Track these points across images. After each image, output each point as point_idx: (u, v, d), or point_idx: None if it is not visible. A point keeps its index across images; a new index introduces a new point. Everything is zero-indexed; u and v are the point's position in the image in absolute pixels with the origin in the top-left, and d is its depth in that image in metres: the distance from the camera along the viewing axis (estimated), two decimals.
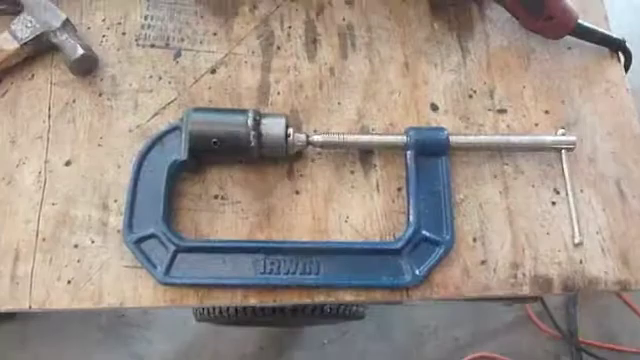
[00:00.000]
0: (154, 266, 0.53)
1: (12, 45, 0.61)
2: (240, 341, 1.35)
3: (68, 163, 0.59)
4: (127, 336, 1.35)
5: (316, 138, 0.58)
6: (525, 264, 0.56)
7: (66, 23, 0.62)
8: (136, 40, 0.65)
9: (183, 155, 0.56)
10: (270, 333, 1.35)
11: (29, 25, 0.62)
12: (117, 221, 0.56)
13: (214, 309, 1.01)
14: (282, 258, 0.54)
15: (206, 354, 1.34)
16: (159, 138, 0.57)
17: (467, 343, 1.37)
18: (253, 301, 0.54)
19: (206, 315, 1.04)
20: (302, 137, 0.57)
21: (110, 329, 1.34)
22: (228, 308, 0.99)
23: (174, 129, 0.58)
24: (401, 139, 0.58)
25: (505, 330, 1.38)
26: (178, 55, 0.64)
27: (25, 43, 0.61)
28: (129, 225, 0.55)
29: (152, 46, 0.65)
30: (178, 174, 0.57)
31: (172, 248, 0.53)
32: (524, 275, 0.56)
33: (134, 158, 0.57)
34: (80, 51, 0.60)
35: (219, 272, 0.54)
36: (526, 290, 0.55)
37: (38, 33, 0.61)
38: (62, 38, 0.62)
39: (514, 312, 1.38)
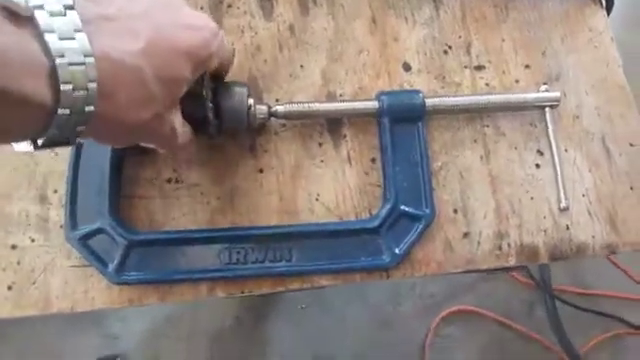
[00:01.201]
0: (104, 264, 0.48)
1: None
2: (217, 313, 1.32)
3: None
4: (100, 316, 1.30)
5: (279, 109, 0.51)
6: (510, 234, 0.52)
7: None
8: None
9: None
10: (246, 303, 1.32)
11: None
12: (59, 215, 0.50)
13: None
14: (249, 246, 0.49)
15: (183, 329, 1.31)
16: None
17: (444, 298, 1.38)
18: (220, 294, 0.49)
19: None
20: (264, 108, 0.51)
21: (79, 314, 1.28)
22: None
23: None
24: (372, 105, 0.52)
25: (480, 282, 1.39)
26: None
27: None
28: (72, 220, 0.48)
29: None
30: (124, 157, 0.51)
31: (123, 243, 0.48)
32: (509, 246, 0.52)
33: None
34: None
35: (180, 266, 0.48)
36: (512, 261, 0.52)
37: None
38: None
39: None
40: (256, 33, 0.57)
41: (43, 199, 0.50)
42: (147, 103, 0.35)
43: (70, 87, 0.29)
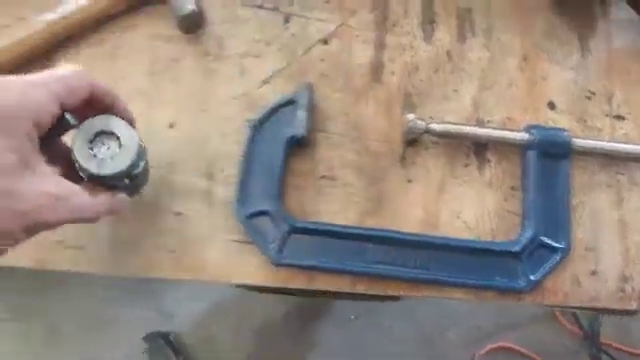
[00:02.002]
0: (266, 244, 0.51)
1: None
2: (266, 307, 1.35)
3: (171, 125, 0.56)
4: (156, 293, 1.34)
5: (435, 126, 0.55)
6: (634, 278, 0.55)
7: None
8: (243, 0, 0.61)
9: (302, 131, 0.53)
10: (297, 302, 1.35)
11: None
12: (223, 192, 0.54)
13: None
14: (394, 249, 0.53)
15: (233, 318, 1.34)
16: (275, 110, 0.54)
17: (488, 332, 1.39)
18: (361, 289, 0.53)
19: None
20: (422, 124, 0.55)
21: (139, 286, 1.33)
22: None
23: (290, 102, 0.55)
24: (521, 136, 0.56)
25: (527, 323, 1.39)
26: (287, 20, 0.61)
27: None
28: (242, 199, 0.52)
29: (260, 7, 0.61)
30: (291, 150, 0.55)
31: (286, 228, 0.51)
32: (633, 289, 0.55)
33: (247, 129, 0.55)
34: (190, 6, 0.56)
35: (330, 256, 0.52)
36: (634, 305, 0.55)
37: None
38: None
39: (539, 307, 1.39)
40: (416, 53, 0.61)
41: (210, 175, 0.55)
42: None
43: None
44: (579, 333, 1.38)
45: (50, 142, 0.41)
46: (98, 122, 0.42)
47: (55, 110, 0.38)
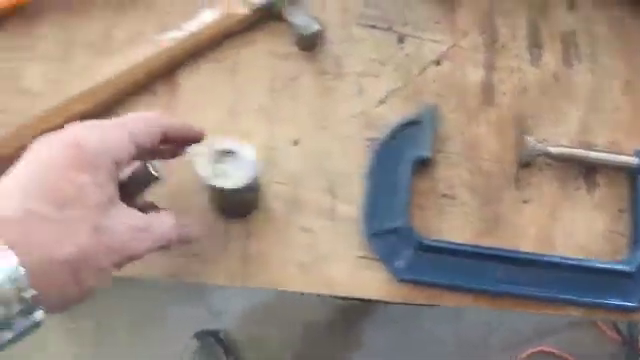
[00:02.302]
0: (393, 261, 0.53)
1: (243, 10, 0.59)
2: (312, 306, 1.37)
3: (295, 143, 0.58)
4: (204, 291, 1.36)
5: (552, 149, 0.57)
6: None
7: None
8: (357, 19, 0.63)
9: (429, 153, 0.55)
10: (342, 304, 1.37)
11: None
12: (346, 209, 0.56)
13: None
14: (514, 267, 0.55)
15: (279, 315, 1.37)
16: (399, 130, 0.56)
17: (529, 337, 1.41)
18: (484, 305, 0.55)
19: None
20: (540, 146, 0.57)
21: (187, 285, 1.35)
22: None
23: (413, 122, 0.56)
24: (632, 160, 0.58)
25: (567, 328, 1.42)
26: (401, 41, 0.62)
27: (255, 9, 0.59)
28: (368, 217, 0.54)
29: (374, 27, 0.63)
30: (416, 170, 0.56)
31: (413, 245, 0.53)
32: None
33: (369, 148, 0.57)
34: (316, 26, 0.58)
35: (453, 274, 0.54)
36: None
37: (272, 0, 0.59)
38: (294, 9, 0.59)
39: None
40: (524, 75, 0.62)
41: (333, 192, 0.56)
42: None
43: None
44: (618, 338, 1.41)
45: (136, 194, 0.44)
46: (217, 142, 0.46)
47: (132, 149, 0.39)
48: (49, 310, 0.33)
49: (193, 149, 0.47)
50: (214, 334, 1.31)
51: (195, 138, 0.46)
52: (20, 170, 0.35)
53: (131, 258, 0.38)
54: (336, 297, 0.75)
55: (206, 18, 0.58)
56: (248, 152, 0.47)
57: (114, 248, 0.36)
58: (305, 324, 1.38)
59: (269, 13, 0.60)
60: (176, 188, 0.54)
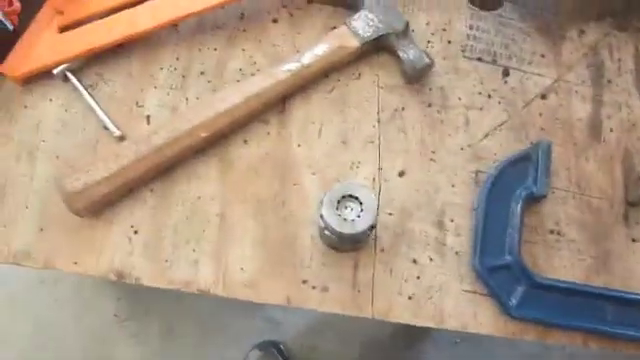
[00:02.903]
0: (505, 297, 0.53)
1: (354, 43, 0.60)
2: (373, 327, 1.37)
3: (401, 174, 0.59)
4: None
5: None
6: None
7: (407, 26, 0.61)
8: (462, 51, 0.63)
9: (544, 191, 0.55)
10: (402, 325, 1.37)
11: (371, 24, 0.60)
12: (454, 242, 0.56)
13: None
14: (626, 308, 0.54)
15: (338, 327, 1.37)
16: (511, 165, 0.57)
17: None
18: (593, 346, 0.54)
19: None
20: None
21: None
22: None
23: (525, 157, 0.57)
24: None
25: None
26: (506, 74, 0.63)
27: (365, 42, 0.60)
28: (480, 252, 0.54)
29: (479, 60, 0.63)
30: (527, 206, 0.56)
31: (526, 282, 0.53)
32: None
33: (477, 181, 0.57)
34: (426, 59, 0.59)
35: (564, 312, 0.54)
36: None
37: (382, 34, 0.60)
38: (404, 42, 0.60)
39: None
40: (632, 111, 0.62)
41: (441, 225, 0.57)
42: None
43: None
44: None
45: None
46: (340, 188, 0.47)
47: None
48: None
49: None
50: (275, 345, 1.33)
51: None
52: None
53: None
54: None
55: (319, 51, 0.59)
56: (369, 197, 0.48)
57: None
58: (365, 339, 1.38)
59: (378, 46, 0.61)
60: (283, 219, 0.56)
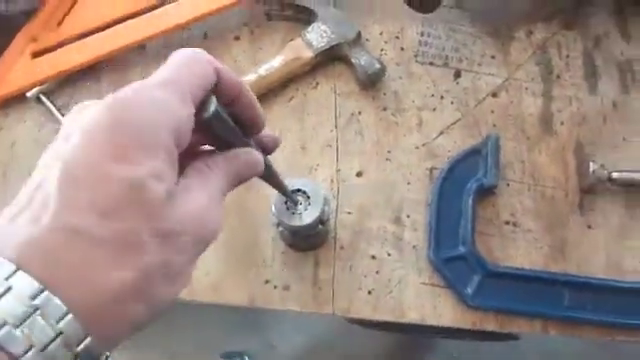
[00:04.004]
0: (462, 287, 0.55)
1: (308, 53, 0.63)
2: (369, 341, 1.37)
3: (359, 174, 0.61)
4: (263, 325, 1.39)
5: (616, 175, 0.57)
6: None
7: (359, 35, 0.64)
8: (415, 56, 0.66)
9: (493, 181, 0.56)
10: (400, 338, 1.36)
11: (324, 35, 0.64)
12: (411, 237, 0.58)
13: None
14: (584, 293, 0.55)
15: (335, 350, 1.37)
16: (462, 160, 0.58)
17: None
18: (552, 332, 0.55)
19: None
20: (604, 173, 0.57)
21: (247, 315, 1.38)
22: None
23: (474, 152, 0.59)
24: None
25: None
26: (458, 75, 0.65)
27: (319, 53, 0.63)
28: (435, 245, 0.56)
29: (431, 64, 0.66)
30: (477, 198, 0.58)
31: (480, 272, 0.55)
32: None
33: (431, 177, 0.59)
34: (377, 65, 0.62)
35: (522, 300, 0.55)
36: None
37: (334, 44, 0.63)
38: (356, 50, 0.63)
39: None
40: (582, 104, 0.64)
41: (398, 220, 0.59)
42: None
43: None
44: None
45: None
46: (289, 183, 0.48)
47: (192, 112, 0.28)
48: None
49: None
50: (240, 355, 1.34)
51: (243, 100, 0.33)
52: (49, 166, 0.27)
53: (214, 237, 0.30)
54: (401, 329, 0.76)
55: (275, 62, 0.63)
56: (316, 191, 0.50)
57: (186, 248, 0.27)
58: (362, 358, 1.38)
59: (332, 55, 0.64)
60: (244, 222, 0.58)
